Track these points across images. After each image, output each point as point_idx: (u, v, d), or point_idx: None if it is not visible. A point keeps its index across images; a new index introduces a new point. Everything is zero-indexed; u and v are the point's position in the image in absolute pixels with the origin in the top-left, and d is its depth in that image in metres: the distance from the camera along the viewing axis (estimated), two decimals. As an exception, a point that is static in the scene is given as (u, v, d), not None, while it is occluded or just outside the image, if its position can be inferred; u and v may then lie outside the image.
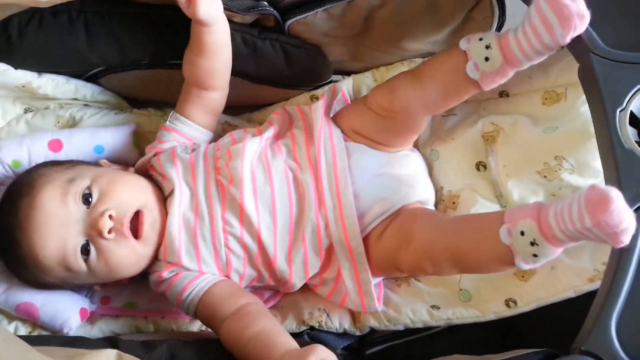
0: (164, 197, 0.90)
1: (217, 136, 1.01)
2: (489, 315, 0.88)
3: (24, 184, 0.85)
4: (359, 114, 0.93)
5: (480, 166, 0.96)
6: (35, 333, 0.90)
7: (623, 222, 0.62)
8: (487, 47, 0.81)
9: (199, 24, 0.86)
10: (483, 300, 0.89)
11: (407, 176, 0.93)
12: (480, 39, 0.82)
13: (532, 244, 0.70)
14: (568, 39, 0.74)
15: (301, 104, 1.03)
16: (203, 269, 0.87)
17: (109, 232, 0.82)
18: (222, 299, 0.84)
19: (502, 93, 0.98)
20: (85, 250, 0.83)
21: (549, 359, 0.66)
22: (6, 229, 0.84)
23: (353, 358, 0.95)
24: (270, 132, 0.94)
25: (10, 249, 0.84)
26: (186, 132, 0.96)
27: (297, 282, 0.91)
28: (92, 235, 0.83)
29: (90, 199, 0.84)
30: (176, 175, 0.89)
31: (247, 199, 0.86)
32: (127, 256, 0.85)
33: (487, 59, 0.81)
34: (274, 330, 0.80)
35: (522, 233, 0.71)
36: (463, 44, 0.83)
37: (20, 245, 0.83)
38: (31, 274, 0.86)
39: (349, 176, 0.89)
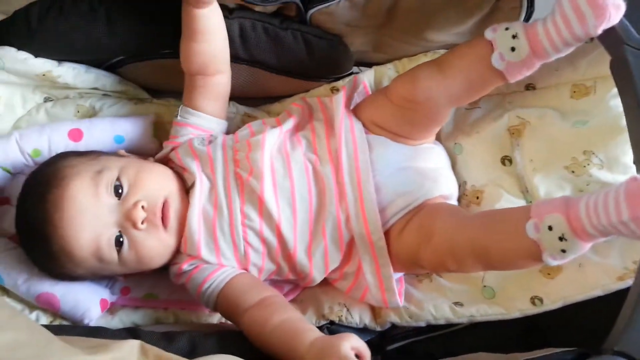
0: (185, 188, 0.91)
1: (235, 127, 1.01)
2: (514, 312, 0.87)
3: (50, 175, 0.85)
4: (379, 105, 0.92)
5: (506, 160, 0.95)
6: (56, 323, 0.90)
7: None
8: (514, 36, 0.79)
9: (199, 5, 0.86)
10: (507, 297, 0.88)
11: (430, 170, 0.92)
12: (507, 29, 0.80)
13: (561, 239, 0.69)
14: (600, 30, 0.73)
15: (322, 96, 1.03)
16: (222, 262, 0.88)
17: (142, 222, 0.83)
18: (244, 291, 0.85)
19: (529, 86, 0.96)
20: (118, 242, 0.84)
21: (580, 359, 0.65)
22: (34, 222, 0.84)
23: (373, 354, 0.94)
24: (289, 124, 0.94)
25: (39, 242, 0.84)
26: (200, 124, 0.96)
27: (317, 276, 0.90)
28: (126, 227, 0.83)
29: (120, 190, 0.84)
30: (196, 168, 0.89)
31: (267, 191, 0.86)
32: (157, 247, 0.86)
33: (513, 49, 0.79)
34: (299, 320, 0.81)
35: (550, 228, 0.69)
36: (488, 34, 0.81)
37: (52, 239, 0.82)
38: (60, 266, 0.86)
39: (371, 169, 0.88)
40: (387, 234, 0.87)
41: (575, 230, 0.68)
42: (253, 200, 0.87)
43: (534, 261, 0.73)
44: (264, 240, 0.88)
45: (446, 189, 0.92)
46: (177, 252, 0.90)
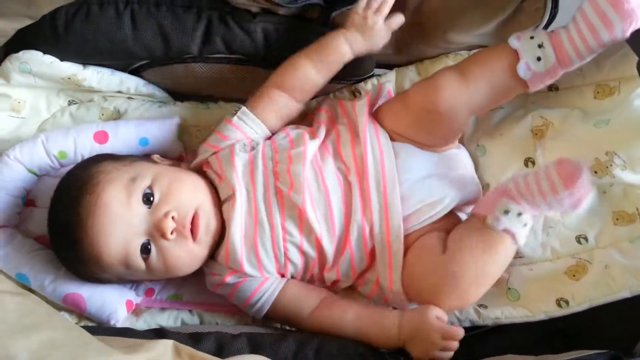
0: (219, 198, 0.90)
1: None
2: (539, 315, 0.87)
3: (84, 179, 0.85)
4: (397, 115, 0.92)
5: (529, 162, 0.95)
6: (82, 324, 0.91)
7: None
8: (540, 46, 0.80)
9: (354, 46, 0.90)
10: (532, 299, 0.88)
11: (455, 177, 0.92)
12: (532, 37, 0.81)
13: (519, 214, 0.81)
14: (629, 34, 0.73)
15: (343, 99, 1.03)
16: (264, 274, 0.89)
17: (172, 233, 0.83)
18: (299, 298, 0.89)
19: (552, 87, 0.97)
20: (145, 250, 0.84)
21: (613, 362, 0.65)
22: (66, 226, 0.85)
23: (394, 356, 0.94)
24: (323, 132, 0.93)
25: (69, 245, 0.85)
26: (251, 132, 0.94)
27: (344, 284, 0.92)
28: (154, 236, 0.84)
29: (151, 199, 0.85)
30: (236, 178, 0.88)
31: (308, 206, 0.86)
32: (184, 257, 0.86)
33: (539, 58, 0.80)
34: (368, 307, 0.89)
35: (506, 212, 0.81)
36: (513, 42, 0.82)
37: (82, 244, 0.83)
38: (88, 270, 0.87)
39: (397, 177, 0.88)
40: (406, 237, 0.88)
41: (519, 204, 0.80)
42: (294, 215, 0.87)
43: (511, 244, 0.82)
44: (303, 255, 0.88)
45: (470, 195, 0.93)
46: (216, 262, 0.90)
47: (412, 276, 0.86)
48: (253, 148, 0.92)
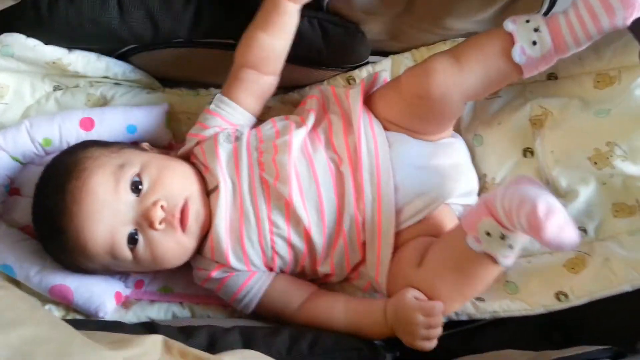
0: (206, 189, 0.89)
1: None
2: (537, 308, 0.86)
3: (71, 165, 0.83)
4: (389, 102, 0.90)
5: (527, 152, 0.94)
6: (69, 317, 0.90)
7: None
8: (536, 29, 0.79)
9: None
10: (531, 293, 0.87)
11: (450, 167, 0.90)
12: (528, 21, 0.80)
13: (502, 237, 0.74)
14: (630, 21, 0.72)
15: (337, 86, 1.01)
16: (251, 268, 0.88)
17: (160, 222, 0.81)
18: (289, 292, 0.88)
19: (551, 75, 0.95)
20: (132, 240, 0.83)
21: (616, 358, 0.64)
22: (50, 213, 0.83)
23: (390, 351, 0.93)
24: (311, 120, 0.91)
25: (54, 233, 0.83)
26: (231, 117, 0.93)
27: (338, 277, 0.91)
28: (142, 225, 0.82)
29: (140, 187, 0.83)
30: (220, 170, 0.87)
31: (296, 196, 0.85)
32: (173, 248, 0.84)
33: (534, 42, 0.79)
34: (355, 298, 0.89)
35: (488, 234, 0.74)
36: (509, 26, 0.80)
37: (67, 231, 0.82)
38: (73, 259, 0.85)
39: (391, 168, 0.87)
40: (397, 235, 0.86)
41: (505, 226, 0.73)
42: (280, 206, 0.85)
43: (493, 268, 0.78)
44: (291, 248, 0.87)
45: (466, 186, 0.91)
46: (202, 257, 0.89)
47: (393, 278, 0.85)
48: (237, 138, 0.91)
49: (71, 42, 0.96)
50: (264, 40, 0.89)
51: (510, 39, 0.80)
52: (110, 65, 1.01)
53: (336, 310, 0.86)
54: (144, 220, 0.82)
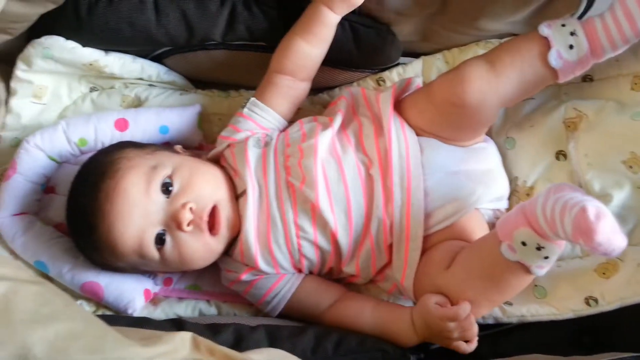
0: (235, 193, 0.90)
1: None
2: (566, 313, 0.85)
3: (106, 165, 0.85)
4: (421, 111, 0.89)
5: (560, 155, 0.92)
6: (99, 312, 0.92)
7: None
8: (572, 33, 0.79)
9: (340, 10, 0.87)
10: (560, 297, 0.86)
11: (482, 173, 0.89)
12: (563, 25, 0.79)
13: (538, 248, 0.71)
14: None
15: (367, 88, 1.01)
16: (280, 271, 0.89)
17: (188, 224, 0.82)
18: (317, 293, 0.90)
19: (586, 77, 0.94)
20: (160, 240, 0.84)
21: (648, 365, 0.63)
22: (83, 211, 0.85)
23: (415, 352, 0.93)
24: (339, 121, 0.92)
25: (85, 230, 0.85)
26: (264, 122, 0.94)
27: (363, 279, 0.91)
28: (170, 226, 0.83)
29: (170, 189, 0.84)
30: (248, 174, 0.88)
31: (322, 199, 0.85)
32: (200, 250, 0.85)
33: (571, 46, 0.78)
34: (385, 304, 0.90)
35: (524, 243, 0.72)
36: (544, 30, 0.80)
37: (98, 229, 0.83)
38: (103, 257, 0.87)
39: (422, 173, 0.86)
40: (425, 238, 0.86)
41: (543, 236, 0.71)
42: (306, 210, 0.86)
43: (527, 277, 0.77)
44: (318, 250, 0.88)
45: (497, 192, 0.91)
46: (230, 258, 0.90)
47: (420, 280, 0.85)
48: (267, 143, 0.91)
49: (108, 45, 0.99)
50: (303, 49, 0.91)
51: (546, 43, 0.79)
52: (145, 67, 1.03)
53: (364, 315, 0.87)
54: (172, 222, 0.83)
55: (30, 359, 0.48)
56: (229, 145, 0.94)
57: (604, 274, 0.85)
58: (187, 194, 0.84)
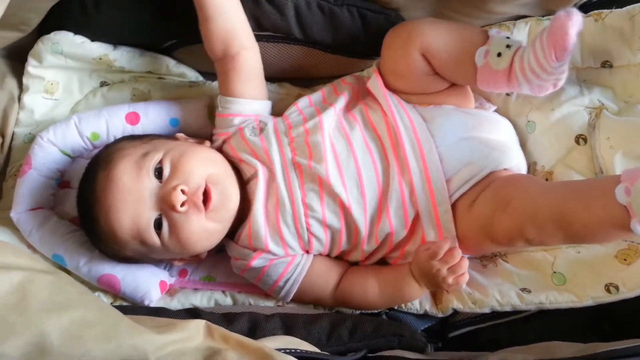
0: (242, 179, 0.91)
1: (286, 105, 1.00)
2: (586, 300, 0.85)
3: (103, 157, 0.89)
4: (401, 75, 0.93)
5: (580, 139, 0.92)
6: (117, 304, 0.94)
7: None
8: (508, 46, 0.84)
9: None
10: (579, 284, 0.86)
11: (497, 142, 0.90)
12: (508, 37, 0.86)
13: None
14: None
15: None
16: (289, 252, 0.90)
17: (182, 205, 0.83)
18: (328, 273, 0.92)
19: (605, 63, 0.93)
20: (158, 225, 0.86)
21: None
22: (86, 202, 0.88)
23: (434, 340, 0.94)
24: (341, 103, 0.94)
25: (90, 222, 0.88)
26: (242, 110, 0.95)
27: (376, 256, 0.93)
28: (165, 210, 0.85)
29: (162, 173, 0.86)
30: (254, 160, 0.90)
31: (332, 174, 0.87)
32: (197, 232, 0.86)
33: (499, 54, 0.84)
34: (384, 268, 0.93)
35: None
36: (492, 30, 0.88)
37: (98, 219, 0.86)
38: (110, 247, 0.90)
39: (432, 140, 0.88)
40: (453, 208, 0.87)
41: None
42: (315, 188, 0.87)
43: (620, 230, 0.71)
44: (327, 228, 0.89)
45: (514, 162, 0.91)
46: (237, 245, 0.92)
47: (472, 238, 0.85)
48: (262, 129, 0.93)
49: (116, 38, 1.01)
50: (212, 26, 0.91)
51: (484, 39, 0.86)
52: (153, 61, 1.05)
53: (369, 284, 0.91)
54: (165, 204, 0.84)
55: (46, 345, 0.50)
56: (224, 141, 0.95)
57: (625, 260, 0.85)
58: (177, 176, 0.85)
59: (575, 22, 0.75)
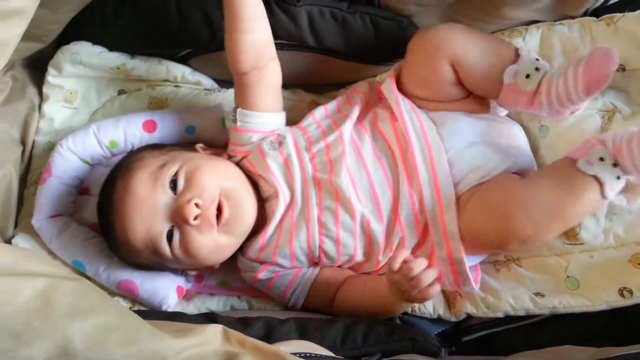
0: (260, 195, 0.93)
1: (300, 114, 1.00)
2: (599, 304, 0.86)
3: (124, 166, 0.91)
4: (413, 74, 0.93)
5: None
6: (135, 309, 0.96)
7: None
8: (537, 69, 0.84)
9: None
10: (593, 288, 0.87)
11: (508, 146, 0.91)
12: (537, 59, 0.86)
13: (614, 165, 0.76)
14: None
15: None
16: (296, 265, 0.92)
17: (195, 218, 0.84)
18: (329, 283, 0.93)
19: (619, 66, 0.93)
20: (170, 236, 0.87)
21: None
22: (104, 210, 0.91)
23: (447, 345, 0.95)
24: (355, 113, 0.94)
25: (108, 229, 0.91)
26: (261, 126, 0.95)
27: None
28: (178, 222, 0.86)
29: (177, 185, 0.87)
30: (275, 179, 0.90)
31: (349, 188, 0.88)
32: (207, 245, 0.87)
33: (528, 76, 0.84)
34: (370, 278, 0.94)
35: (602, 159, 0.77)
36: (523, 50, 0.88)
37: (114, 228, 0.89)
38: (125, 255, 0.92)
39: (442, 145, 0.89)
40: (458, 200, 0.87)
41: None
42: (331, 206, 0.88)
43: (595, 192, 0.78)
44: (340, 246, 0.90)
45: (524, 166, 0.91)
46: (244, 259, 0.94)
47: (477, 220, 0.84)
48: (281, 143, 0.93)
49: (134, 48, 1.03)
50: (245, 39, 0.89)
51: (515, 58, 0.86)
52: (170, 69, 1.07)
53: (359, 294, 0.92)
54: (178, 217, 0.85)
55: (70, 349, 0.52)
56: (243, 158, 0.95)
57: (639, 264, 0.85)
58: (191, 189, 0.86)
59: (614, 62, 0.76)
